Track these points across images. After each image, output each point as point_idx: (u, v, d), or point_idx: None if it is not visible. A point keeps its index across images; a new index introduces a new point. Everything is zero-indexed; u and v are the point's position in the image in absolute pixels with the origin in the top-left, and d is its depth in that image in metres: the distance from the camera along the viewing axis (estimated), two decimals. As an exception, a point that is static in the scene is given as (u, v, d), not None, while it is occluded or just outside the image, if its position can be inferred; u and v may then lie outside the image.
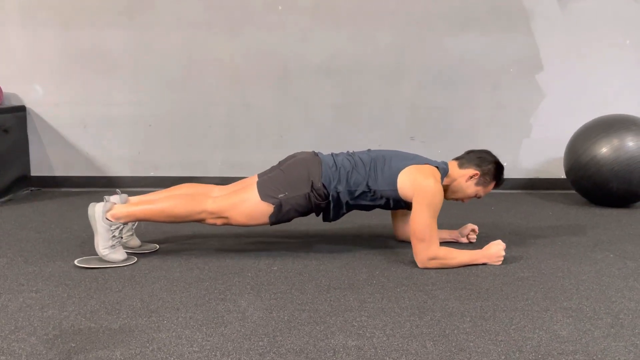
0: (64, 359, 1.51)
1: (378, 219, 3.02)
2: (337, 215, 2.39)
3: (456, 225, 2.74)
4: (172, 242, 2.62)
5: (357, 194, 2.30)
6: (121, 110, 3.82)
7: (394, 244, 2.61)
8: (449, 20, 3.78)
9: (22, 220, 3.00)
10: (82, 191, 3.82)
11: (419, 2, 3.75)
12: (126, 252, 2.32)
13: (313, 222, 2.93)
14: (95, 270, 2.20)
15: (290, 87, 3.84)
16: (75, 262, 2.24)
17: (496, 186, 2.47)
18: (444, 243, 2.54)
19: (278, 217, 2.29)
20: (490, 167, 2.40)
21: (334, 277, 2.16)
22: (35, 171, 3.88)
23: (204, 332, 1.68)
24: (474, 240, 2.64)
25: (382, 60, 3.82)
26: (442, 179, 2.35)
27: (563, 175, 3.70)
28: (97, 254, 2.24)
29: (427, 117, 3.90)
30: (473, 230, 2.64)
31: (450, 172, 2.40)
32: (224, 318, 1.78)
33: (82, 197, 3.62)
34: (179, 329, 1.70)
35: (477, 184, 2.41)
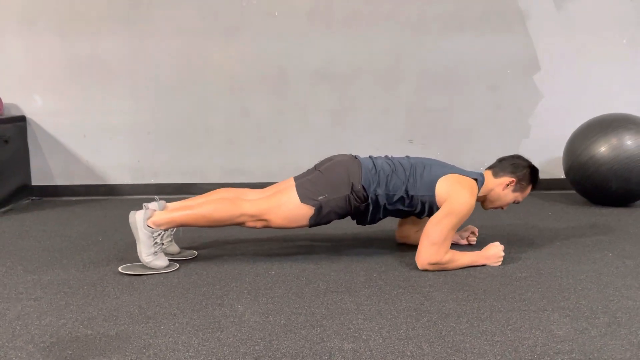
0: (60, 366, 1.52)
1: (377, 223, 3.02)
2: (374, 220, 2.38)
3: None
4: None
5: (395, 198, 2.30)
6: (120, 118, 3.84)
7: (393, 247, 2.61)
8: (445, 23, 3.79)
9: (22, 229, 3.02)
10: (83, 199, 3.83)
11: (414, 5, 3.76)
12: (169, 258, 2.33)
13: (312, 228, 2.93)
14: (94, 277, 2.20)
15: (288, 92, 3.86)
16: (120, 269, 2.25)
17: (533, 189, 2.47)
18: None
19: (318, 219, 2.29)
20: (525, 172, 2.41)
21: (331, 281, 2.16)
22: (36, 181, 3.90)
23: (200, 337, 1.68)
24: (474, 243, 2.63)
25: (379, 64, 3.83)
26: (479, 190, 2.35)
27: (562, 175, 3.70)
28: (139, 261, 2.25)
29: (425, 119, 3.90)
30: (473, 233, 2.64)
31: (485, 182, 2.40)
32: (221, 323, 1.78)
33: (82, 206, 3.63)
34: (175, 335, 1.70)
35: (514, 190, 2.41)
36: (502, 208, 2.48)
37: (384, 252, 2.52)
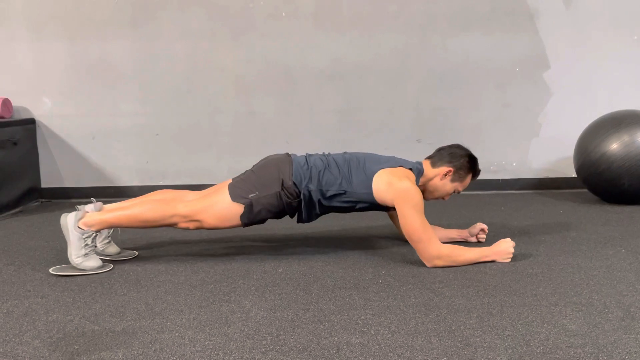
0: (66, 360, 1.51)
1: (384, 220, 3.00)
2: (310, 216, 2.37)
3: (465, 225, 2.71)
4: (179, 246, 2.62)
5: (329, 194, 2.28)
6: (128, 120, 3.86)
7: (401, 244, 2.58)
8: (452, 22, 3.77)
9: (31, 230, 3.03)
10: (90, 201, 3.83)
11: (421, 4, 3.75)
12: (104, 259, 2.33)
13: (319, 225, 2.92)
14: (101, 275, 2.20)
15: (295, 93, 3.85)
16: (50, 270, 2.24)
17: (473, 178, 2.44)
18: (453, 243, 2.51)
19: (250, 217, 2.28)
20: (462, 161, 2.38)
21: (339, 278, 2.14)
22: (46, 183, 3.92)
23: (207, 332, 1.67)
24: (484, 240, 2.60)
25: (386, 63, 3.82)
26: (417, 179, 2.33)
27: (574, 174, 3.66)
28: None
29: (432, 119, 3.88)
30: (482, 230, 2.61)
31: (425, 172, 2.38)
32: (228, 318, 1.77)
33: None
34: (182, 330, 1.69)
35: (452, 180, 2.38)
36: (443, 198, 2.45)
37: (392, 249, 2.50)
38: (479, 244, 2.57)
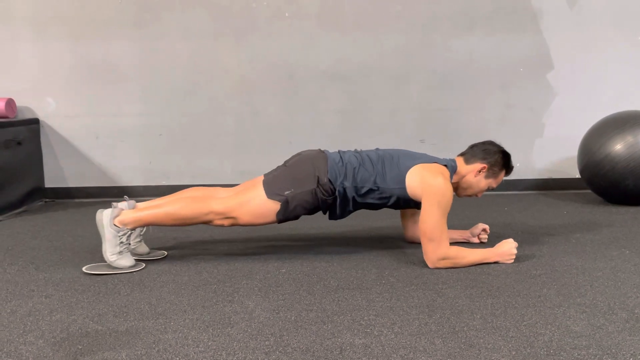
0: (70, 360, 1.51)
1: (387, 221, 3.00)
2: (344, 213, 2.36)
3: (468, 226, 2.70)
4: (182, 247, 2.62)
5: (363, 191, 2.28)
6: (132, 120, 3.86)
7: (404, 245, 2.58)
8: (455, 22, 3.76)
9: (35, 230, 3.04)
10: (95, 201, 3.85)
11: (424, 4, 3.74)
12: (135, 258, 2.32)
13: (323, 225, 2.92)
14: (104, 275, 2.20)
15: (298, 93, 3.85)
16: (84, 269, 2.25)
17: (506, 174, 2.44)
18: (454, 243, 2.51)
19: (285, 214, 2.27)
20: (496, 157, 2.37)
21: (342, 278, 2.14)
22: (49, 183, 3.92)
23: (210, 332, 1.67)
24: (485, 240, 2.60)
25: (389, 63, 3.81)
26: (451, 176, 2.32)
27: (577, 175, 3.65)
28: (105, 261, 2.24)
29: (436, 119, 3.88)
30: (484, 230, 2.60)
31: (458, 169, 2.38)
32: (231, 319, 1.77)
33: (95, 207, 3.59)
34: (185, 330, 1.69)
35: (487, 176, 2.38)
36: (476, 195, 2.44)
37: (396, 250, 2.50)
38: (481, 244, 2.57)
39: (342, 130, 3.88)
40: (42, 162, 3.90)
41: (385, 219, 3.03)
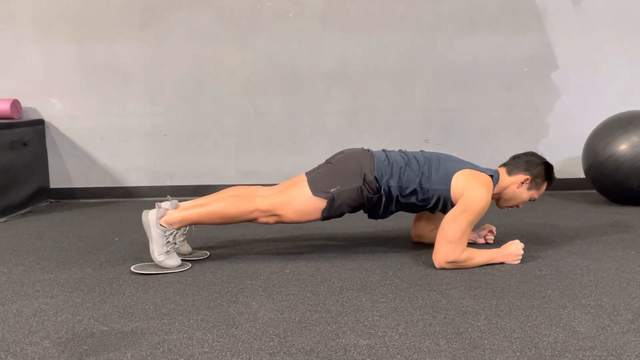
0: (75, 361, 1.52)
1: (391, 222, 2.99)
2: (386, 212, 2.35)
3: (474, 227, 2.69)
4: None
5: (408, 191, 2.27)
6: (136, 121, 3.88)
7: (409, 246, 2.58)
8: (459, 22, 3.76)
9: (40, 230, 3.05)
10: (100, 202, 3.87)
11: (428, 4, 3.74)
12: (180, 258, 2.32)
13: (327, 226, 2.93)
14: (109, 276, 2.21)
15: (302, 94, 3.85)
16: (132, 268, 2.25)
17: (549, 185, 2.42)
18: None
19: (330, 211, 2.27)
20: (539, 169, 2.36)
21: (346, 279, 2.14)
22: (55, 183, 3.94)
23: (214, 333, 1.68)
24: (492, 242, 2.59)
25: (393, 64, 3.81)
26: (494, 187, 2.32)
27: (582, 175, 3.64)
28: (152, 261, 2.24)
29: (440, 119, 3.87)
30: (490, 232, 2.60)
31: (500, 180, 2.37)
32: (235, 320, 1.77)
33: (99, 208, 3.66)
34: (190, 331, 1.69)
35: (529, 188, 2.37)
36: (517, 207, 2.43)
37: (400, 251, 2.50)
38: (486, 245, 2.57)
39: (346, 131, 3.88)
40: (47, 162, 3.91)
41: (389, 220, 3.02)
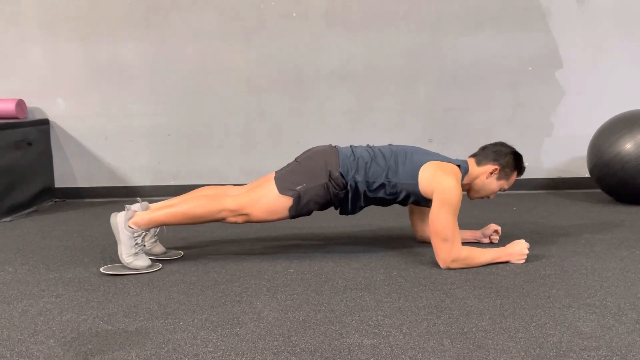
0: (80, 360, 1.52)
1: (395, 221, 3.00)
2: (355, 208, 2.36)
3: (478, 226, 2.70)
4: (191, 247, 2.63)
5: (375, 185, 2.27)
6: (140, 121, 3.89)
7: (413, 245, 2.58)
8: (463, 21, 3.75)
9: (45, 230, 3.06)
10: (105, 201, 3.88)
11: (432, 4, 3.73)
12: (151, 258, 2.33)
13: (331, 225, 2.93)
14: (120, 276, 2.22)
15: (306, 93, 3.86)
16: (102, 269, 2.26)
17: (518, 175, 2.42)
18: (465, 243, 2.50)
19: (298, 209, 2.27)
20: (508, 159, 2.36)
21: (350, 278, 2.14)
22: (59, 183, 3.96)
23: (219, 332, 1.68)
24: (497, 241, 2.58)
25: (397, 63, 3.81)
26: (462, 178, 2.32)
27: (587, 174, 3.62)
28: (121, 262, 2.25)
29: (444, 119, 3.87)
30: (496, 231, 2.59)
31: (469, 170, 2.37)
32: (239, 319, 1.77)
33: (104, 207, 3.67)
34: (194, 330, 1.70)
35: (498, 178, 2.37)
36: (488, 197, 2.43)
37: (404, 250, 2.49)
38: (491, 244, 2.56)
39: (349, 130, 3.88)
40: (52, 162, 3.93)
41: (394, 219, 3.03)
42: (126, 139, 3.92)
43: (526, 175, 3.90)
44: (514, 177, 2.40)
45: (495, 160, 2.36)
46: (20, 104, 3.74)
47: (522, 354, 1.50)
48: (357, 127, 3.88)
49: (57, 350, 1.59)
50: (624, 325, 1.66)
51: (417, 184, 2.26)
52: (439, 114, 3.87)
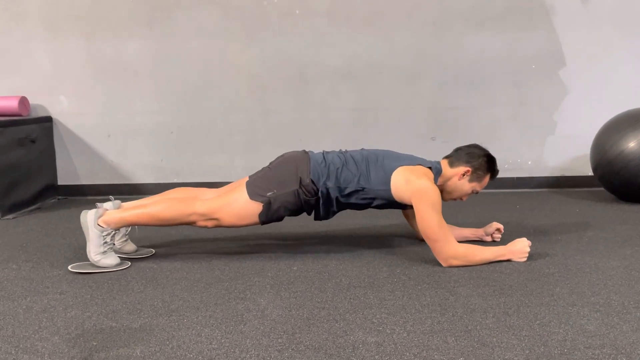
0: (85, 357, 1.53)
1: (398, 219, 2.99)
2: (328, 213, 2.36)
3: (480, 224, 2.69)
4: (194, 244, 2.64)
5: (347, 191, 2.28)
6: (143, 118, 3.89)
7: (415, 244, 2.58)
8: (467, 19, 3.74)
9: (49, 227, 3.07)
10: (108, 199, 3.87)
11: (435, 2, 3.72)
12: (121, 257, 2.33)
13: (333, 223, 2.93)
14: (118, 272, 2.22)
15: (309, 91, 3.85)
16: (69, 267, 2.26)
17: (491, 178, 2.41)
18: (467, 242, 2.50)
19: (268, 215, 2.28)
20: (480, 161, 2.35)
21: (354, 276, 2.14)
22: (62, 180, 3.96)
23: (223, 330, 1.68)
24: (499, 240, 2.58)
25: (400, 61, 3.80)
26: (436, 179, 2.32)
27: (590, 172, 3.62)
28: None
29: (447, 117, 3.86)
30: (498, 230, 2.59)
31: (443, 171, 2.36)
32: (244, 316, 1.78)
33: (107, 205, 3.67)
34: (198, 327, 1.70)
35: (470, 180, 2.36)
36: (461, 199, 2.43)
37: (407, 249, 2.50)
38: (494, 243, 2.56)
39: (353, 129, 3.88)
40: (55, 159, 3.93)
41: (397, 217, 3.03)
42: (129, 137, 3.92)
43: (529, 173, 3.94)
44: (486, 179, 2.39)
45: (467, 162, 2.35)
46: (24, 101, 3.74)
47: (527, 352, 1.50)
48: (360, 125, 3.88)
49: (62, 346, 1.59)
50: (629, 323, 1.66)
51: (389, 190, 2.26)
52: (442, 112, 3.86)
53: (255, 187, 2.28)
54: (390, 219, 3.02)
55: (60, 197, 3.95)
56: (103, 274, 2.21)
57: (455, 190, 2.38)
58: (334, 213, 2.38)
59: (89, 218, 2.22)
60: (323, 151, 2.42)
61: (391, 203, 2.31)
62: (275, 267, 2.27)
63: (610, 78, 3.78)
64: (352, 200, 2.31)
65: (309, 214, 2.39)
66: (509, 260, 2.26)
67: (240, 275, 2.17)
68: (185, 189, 2.48)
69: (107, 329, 1.70)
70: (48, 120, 3.85)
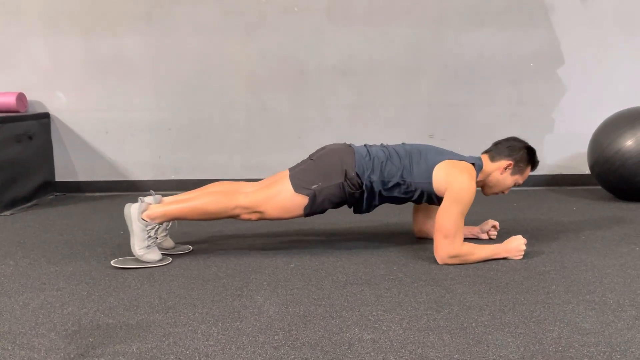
0: (81, 353, 1.53)
1: (396, 216, 3.00)
2: (370, 207, 2.36)
3: (477, 222, 2.70)
4: (192, 241, 2.63)
5: (390, 185, 2.27)
6: (141, 115, 3.88)
7: (412, 241, 2.58)
8: (466, 17, 3.74)
9: (46, 223, 3.06)
10: (105, 195, 3.88)
11: (435, -1, 3.72)
12: (162, 252, 2.32)
13: (331, 221, 2.93)
14: (115, 269, 2.22)
15: (307, 88, 3.85)
16: (112, 262, 2.26)
17: (532, 169, 2.42)
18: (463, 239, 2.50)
19: (313, 208, 2.27)
20: (522, 153, 2.36)
21: (350, 274, 2.14)
22: (60, 177, 3.96)
23: (219, 326, 1.68)
24: (495, 237, 2.59)
25: (399, 59, 3.80)
26: (477, 175, 2.32)
27: (587, 171, 3.63)
28: (132, 255, 2.25)
29: (445, 114, 3.86)
30: (494, 227, 2.60)
31: (483, 166, 2.36)
32: (240, 313, 1.78)
33: (105, 201, 3.68)
34: (195, 324, 1.70)
35: (513, 173, 2.36)
36: (503, 192, 2.43)
37: (404, 246, 2.50)
38: (489, 240, 2.57)
39: (351, 126, 3.88)
40: (52, 156, 3.93)
41: (394, 215, 3.03)
42: (127, 133, 3.92)
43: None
44: (528, 171, 2.40)
45: (509, 156, 2.35)
46: (21, 97, 3.74)
47: (522, 349, 1.51)
48: (359, 122, 3.88)
49: (59, 343, 1.59)
50: (624, 321, 1.67)
51: (431, 183, 2.26)
52: (440, 110, 3.86)
53: (299, 179, 2.26)
54: (388, 216, 3.03)
55: (57, 193, 3.94)
56: (100, 270, 2.21)
57: (497, 184, 2.38)
58: (375, 206, 2.38)
59: (133, 211, 2.20)
60: (365, 144, 2.41)
61: (430, 196, 2.30)
62: (273, 264, 2.27)
63: (609, 77, 3.79)
64: (395, 193, 2.30)
65: (350, 206, 2.39)
66: (505, 258, 2.26)
67: (237, 272, 2.17)
68: (225, 183, 2.45)
69: (103, 325, 1.71)
70: (46, 116, 3.85)
